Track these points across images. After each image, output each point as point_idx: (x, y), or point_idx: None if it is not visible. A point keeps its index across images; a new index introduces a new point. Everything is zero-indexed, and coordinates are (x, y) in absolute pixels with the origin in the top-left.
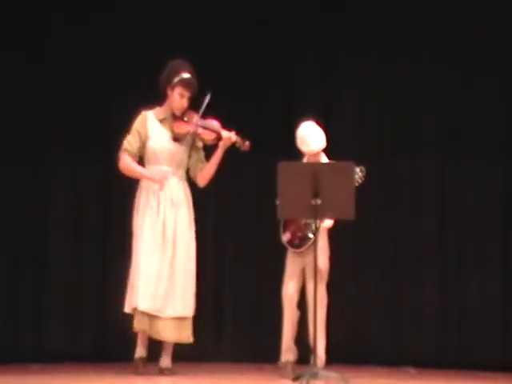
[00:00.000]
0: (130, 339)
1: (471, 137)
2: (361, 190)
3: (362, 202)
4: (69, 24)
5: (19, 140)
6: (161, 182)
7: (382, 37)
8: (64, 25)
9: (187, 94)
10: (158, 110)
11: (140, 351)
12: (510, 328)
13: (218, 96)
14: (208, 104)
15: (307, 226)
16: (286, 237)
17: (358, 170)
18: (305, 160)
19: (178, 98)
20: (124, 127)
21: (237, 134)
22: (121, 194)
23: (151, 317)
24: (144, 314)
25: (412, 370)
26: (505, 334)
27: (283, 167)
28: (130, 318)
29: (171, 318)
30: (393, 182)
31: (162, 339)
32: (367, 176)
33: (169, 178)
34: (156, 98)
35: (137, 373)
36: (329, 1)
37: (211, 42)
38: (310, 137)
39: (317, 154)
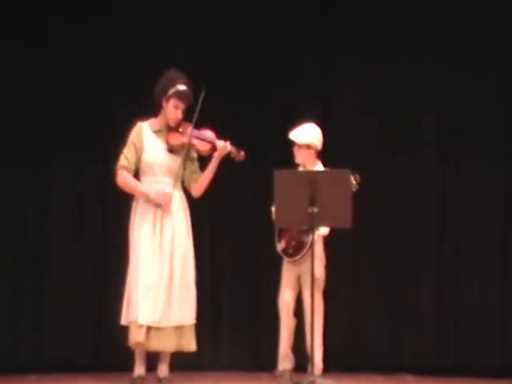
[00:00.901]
0: (129, 349)
1: (471, 137)
2: (360, 191)
3: (362, 203)
4: (69, 24)
5: (19, 140)
6: (166, 204)
7: (382, 37)
8: (64, 25)
9: (182, 106)
10: (153, 121)
11: (138, 370)
12: (510, 329)
13: (218, 96)
14: (203, 103)
15: (302, 234)
16: (280, 246)
17: (351, 178)
18: (295, 151)
19: (172, 109)
20: (124, 128)
21: (232, 143)
22: (120, 195)
23: (151, 328)
24: (143, 326)
25: (409, 377)
26: (505, 336)
27: (279, 175)
28: (127, 328)
29: (171, 328)
30: (393, 182)
31: (163, 350)
32: (362, 182)
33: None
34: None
35: None
36: (329, 1)
37: (211, 42)
38: (299, 128)
39: (302, 149)
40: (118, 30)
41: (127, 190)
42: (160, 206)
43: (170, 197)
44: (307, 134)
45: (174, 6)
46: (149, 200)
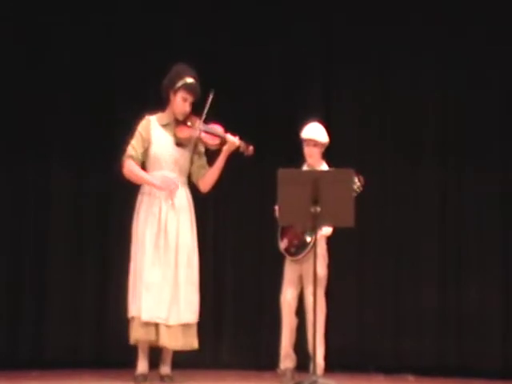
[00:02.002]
0: (130, 346)
1: (472, 138)
2: (361, 195)
3: (363, 207)
4: (69, 25)
5: (19, 145)
6: (171, 191)
7: (382, 39)
8: (65, 26)
9: (190, 99)
10: (160, 115)
11: (141, 367)
12: (510, 331)
13: (219, 98)
14: (211, 104)
15: (304, 233)
16: (283, 244)
17: (356, 179)
18: (305, 151)
19: (180, 102)
20: (126, 132)
21: (240, 138)
22: (123, 191)
23: (156, 325)
24: (148, 323)
25: (410, 378)
26: (505, 337)
27: (283, 174)
28: (130, 322)
29: (177, 326)
30: (393, 185)
31: (168, 347)
32: (365, 185)
33: (178, 187)
34: (158, 104)
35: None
36: (330, 3)
37: (213, 42)
38: (313, 127)
39: (317, 148)
40: (118, 34)
41: (133, 179)
42: (167, 195)
43: (175, 184)
44: (323, 133)
45: (174, 8)
46: (154, 191)
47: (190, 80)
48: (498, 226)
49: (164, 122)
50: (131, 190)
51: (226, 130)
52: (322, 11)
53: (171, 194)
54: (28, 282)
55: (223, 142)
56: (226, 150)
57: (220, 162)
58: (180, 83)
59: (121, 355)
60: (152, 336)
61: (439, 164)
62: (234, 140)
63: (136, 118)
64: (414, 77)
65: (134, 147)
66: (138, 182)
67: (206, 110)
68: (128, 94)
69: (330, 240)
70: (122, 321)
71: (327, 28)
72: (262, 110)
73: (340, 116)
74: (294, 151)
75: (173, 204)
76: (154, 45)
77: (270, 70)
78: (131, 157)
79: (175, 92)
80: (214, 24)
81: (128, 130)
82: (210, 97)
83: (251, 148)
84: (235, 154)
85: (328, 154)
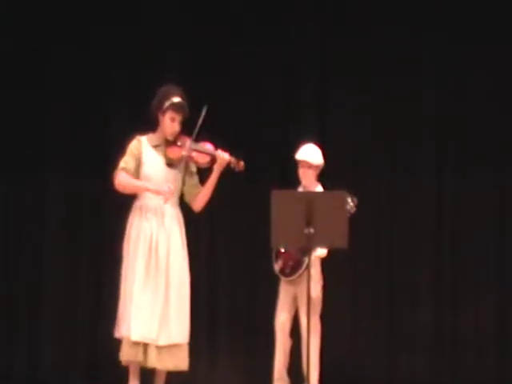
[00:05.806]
0: (123, 365)
1: (469, 157)
2: (357, 212)
3: (359, 224)
4: (68, 39)
5: (16, 154)
6: (165, 194)
7: (381, 49)
8: (63, 39)
9: (178, 118)
10: (151, 136)
11: None
12: (506, 348)
13: (215, 112)
14: (204, 119)
15: (299, 254)
16: (278, 265)
17: (349, 200)
18: (300, 172)
19: (169, 122)
20: (121, 142)
21: (231, 154)
22: (118, 207)
23: (146, 346)
24: (138, 343)
25: None
26: (500, 357)
27: (276, 195)
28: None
29: (167, 346)
30: (388, 204)
31: (158, 368)
32: (359, 205)
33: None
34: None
35: None
36: (327, 15)
37: (209, 57)
38: (308, 149)
39: (311, 170)
40: (117, 42)
41: (126, 188)
42: (162, 197)
43: (169, 188)
44: (318, 155)
45: (173, 17)
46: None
47: (176, 99)
48: (494, 242)
49: (155, 143)
50: (126, 206)
51: (216, 147)
52: (316, 20)
53: (166, 196)
54: (22, 299)
55: (214, 159)
56: (217, 167)
57: (212, 179)
58: (167, 103)
59: (114, 374)
60: (140, 357)
61: (435, 181)
62: (224, 156)
63: (132, 129)
64: (413, 91)
65: (126, 162)
66: (133, 191)
67: (198, 127)
68: (125, 106)
69: (324, 261)
70: (115, 340)
71: (325, 42)
72: (255, 129)
73: (336, 134)
74: (289, 172)
75: (166, 202)
76: (153, 44)
77: (268, 89)
78: (124, 169)
79: (163, 113)
80: (212, 38)
81: (125, 143)
82: (204, 112)
83: (242, 163)
84: (227, 173)
85: (325, 171)
